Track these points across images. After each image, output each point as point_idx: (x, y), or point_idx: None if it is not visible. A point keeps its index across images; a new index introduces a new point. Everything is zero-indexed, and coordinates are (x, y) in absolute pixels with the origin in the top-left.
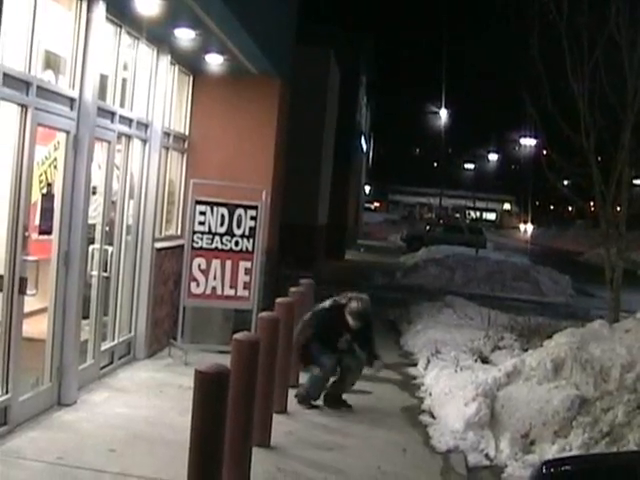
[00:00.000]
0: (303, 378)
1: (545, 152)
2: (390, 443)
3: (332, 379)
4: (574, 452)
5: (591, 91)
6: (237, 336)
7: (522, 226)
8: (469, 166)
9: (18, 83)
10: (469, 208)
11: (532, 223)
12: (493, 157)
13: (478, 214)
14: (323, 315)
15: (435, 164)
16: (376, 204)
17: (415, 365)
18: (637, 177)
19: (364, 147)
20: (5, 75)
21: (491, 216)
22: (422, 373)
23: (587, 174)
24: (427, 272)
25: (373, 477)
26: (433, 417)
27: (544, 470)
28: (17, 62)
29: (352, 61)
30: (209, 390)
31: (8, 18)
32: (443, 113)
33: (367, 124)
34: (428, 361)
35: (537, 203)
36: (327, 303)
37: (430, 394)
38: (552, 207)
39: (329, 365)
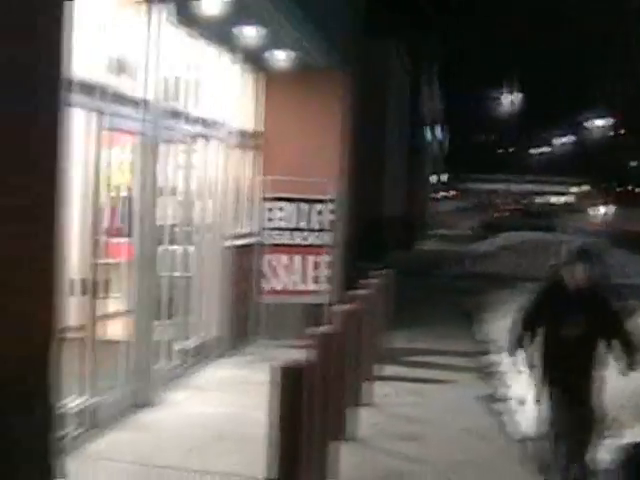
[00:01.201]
0: (382, 370)
1: (622, 132)
2: (469, 431)
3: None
4: None
5: None
6: (315, 330)
7: (599, 209)
8: (542, 150)
9: (90, 89)
10: (543, 193)
11: (610, 204)
12: (566, 140)
13: (551, 198)
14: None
15: (506, 150)
16: (448, 193)
17: (491, 353)
18: None
19: (435, 136)
20: (78, 82)
21: (564, 199)
22: (498, 361)
23: None
24: (501, 259)
25: (457, 465)
26: (510, 405)
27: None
28: (88, 68)
29: (419, 51)
30: (287, 385)
31: (78, 25)
32: (513, 98)
33: (437, 113)
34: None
35: (614, 185)
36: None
37: (507, 382)
38: (630, 188)
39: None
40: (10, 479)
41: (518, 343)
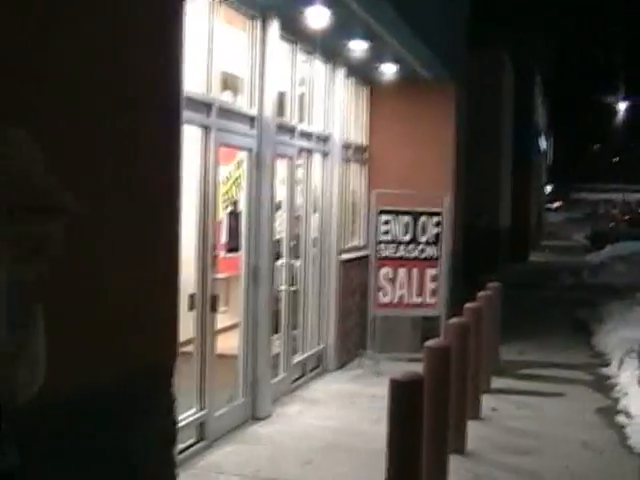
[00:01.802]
0: (495, 383)
1: None
2: (586, 445)
3: None
4: None
5: None
6: (429, 343)
7: None
8: None
9: (199, 105)
10: None
11: None
12: None
13: None
14: None
15: (616, 158)
16: (557, 203)
17: (608, 365)
18: None
19: (542, 146)
20: (188, 99)
21: None
22: (616, 373)
23: None
24: (614, 270)
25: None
26: (630, 417)
27: None
28: (197, 85)
29: (526, 60)
30: (404, 398)
31: (187, 43)
32: (621, 106)
33: (544, 122)
34: (622, 361)
35: None
36: None
37: (626, 394)
38: None
39: None
40: None
41: None
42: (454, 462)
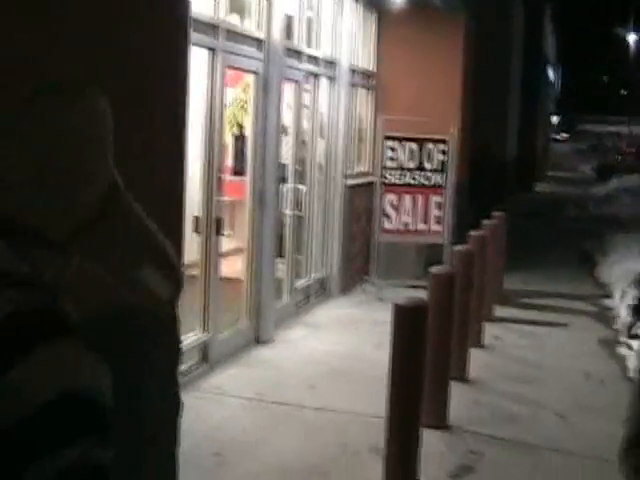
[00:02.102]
0: (498, 312)
1: None
2: (588, 375)
3: None
4: None
5: None
6: (434, 270)
7: None
8: None
9: (206, 27)
10: None
11: None
12: None
13: None
14: None
15: (625, 91)
16: (564, 135)
17: (611, 297)
18: None
19: (551, 77)
20: (194, 20)
21: None
22: (618, 304)
23: None
24: (620, 202)
25: (571, 410)
26: (631, 348)
27: None
28: (204, 7)
29: None
30: (407, 323)
31: None
32: (631, 38)
33: (554, 53)
34: (624, 292)
35: None
36: None
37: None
38: None
39: None
40: (139, 414)
41: None
42: (455, 389)
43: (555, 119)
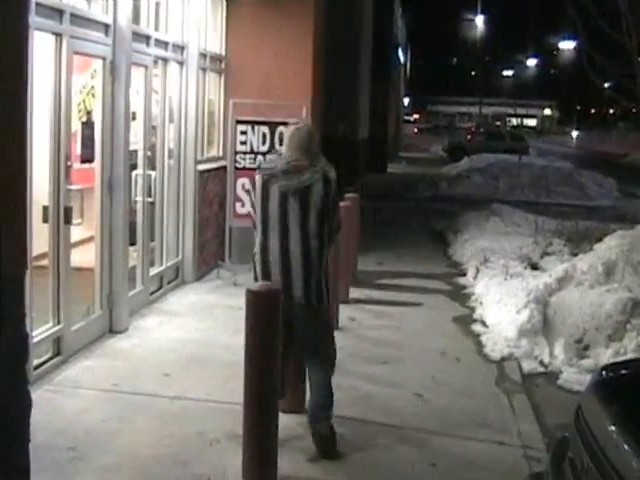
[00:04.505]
0: (353, 293)
1: (586, 54)
2: (444, 353)
3: None
4: (629, 355)
5: None
6: None
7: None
8: (508, 73)
9: (51, 11)
10: (509, 115)
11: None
12: (532, 62)
13: (519, 121)
14: None
15: (473, 72)
16: (415, 116)
17: (464, 275)
18: None
19: (401, 59)
20: (37, 4)
21: (532, 122)
22: (472, 283)
23: (630, 75)
24: (471, 181)
25: (428, 388)
26: (485, 326)
27: (604, 375)
28: None
29: None
30: (260, 309)
31: None
32: (479, 20)
33: (403, 36)
34: (477, 270)
35: (578, 107)
36: None
37: (481, 303)
38: (593, 110)
39: None
40: None
41: None
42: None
43: (407, 101)
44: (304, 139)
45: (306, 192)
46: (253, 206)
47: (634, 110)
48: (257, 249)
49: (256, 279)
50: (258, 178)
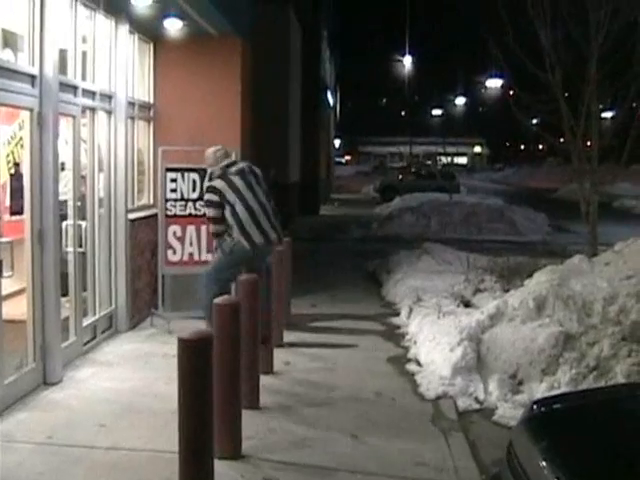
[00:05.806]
0: (287, 337)
1: (512, 91)
2: (379, 394)
3: None
4: (563, 389)
5: (554, 25)
6: (217, 300)
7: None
8: (437, 112)
9: None
10: (440, 154)
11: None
12: (460, 101)
13: (449, 159)
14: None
15: (403, 113)
16: (347, 157)
17: (398, 315)
18: (605, 110)
19: (331, 101)
20: None
21: (462, 160)
22: (405, 322)
23: (555, 110)
24: (403, 221)
25: (364, 429)
26: (420, 365)
27: (535, 410)
28: None
29: (312, 15)
30: (193, 356)
31: None
32: (407, 60)
33: (332, 78)
34: (410, 310)
35: (507, 144)
36: None
37: (415, 342)
38: (522, 147)
39: None
40: None
41: None
42: (248, 417)
43: (338, 142)
44: (224, 151)
45: (250, 171)
46: (215, 206)
47: (562, 145)
48: (235, 230)
49: (231, 252)
50: (218, 182)
